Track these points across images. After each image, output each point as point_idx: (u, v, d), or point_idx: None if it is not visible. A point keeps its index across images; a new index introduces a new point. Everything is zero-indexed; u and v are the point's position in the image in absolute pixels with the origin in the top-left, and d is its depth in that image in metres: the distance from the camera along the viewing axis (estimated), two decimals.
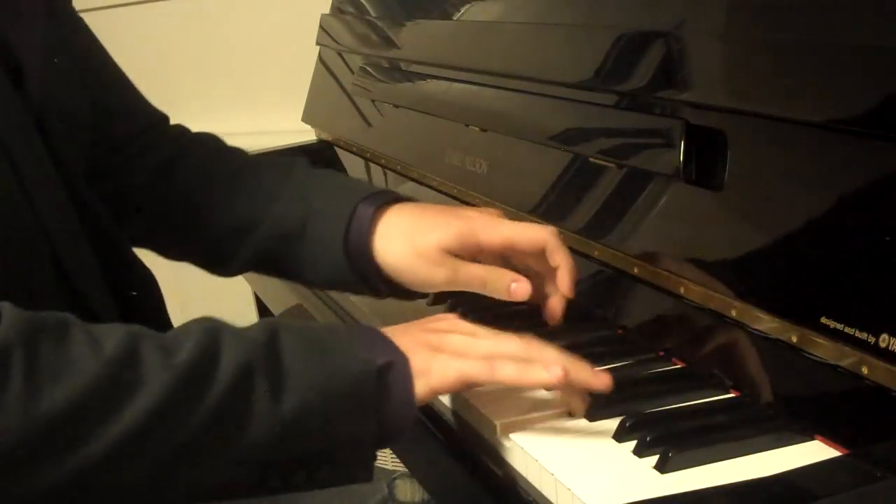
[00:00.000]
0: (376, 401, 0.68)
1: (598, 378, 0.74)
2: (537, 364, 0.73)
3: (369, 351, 0.69)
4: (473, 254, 0.88)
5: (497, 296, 0.86)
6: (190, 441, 0.63)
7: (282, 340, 0.67)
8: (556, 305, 0.87)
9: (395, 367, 0.69)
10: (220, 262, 1.02)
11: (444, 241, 0.86)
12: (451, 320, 0.78)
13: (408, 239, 0.87)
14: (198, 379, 0.63)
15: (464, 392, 0.78)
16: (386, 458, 1.72)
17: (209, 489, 0.66)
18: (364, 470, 0.69)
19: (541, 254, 0.86)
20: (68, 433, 0.60)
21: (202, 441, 0.63)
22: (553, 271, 0.87)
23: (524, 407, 0.77)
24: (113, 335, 0.63)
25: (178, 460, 0.63)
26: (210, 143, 1.08)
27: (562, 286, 0.86)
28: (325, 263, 0.91)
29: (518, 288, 0.84)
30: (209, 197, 1.00)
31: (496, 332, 0.76)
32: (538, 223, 0.93)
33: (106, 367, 0.61)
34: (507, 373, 0.72)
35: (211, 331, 0.67)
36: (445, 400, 0.85)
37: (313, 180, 0.97)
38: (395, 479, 1.10)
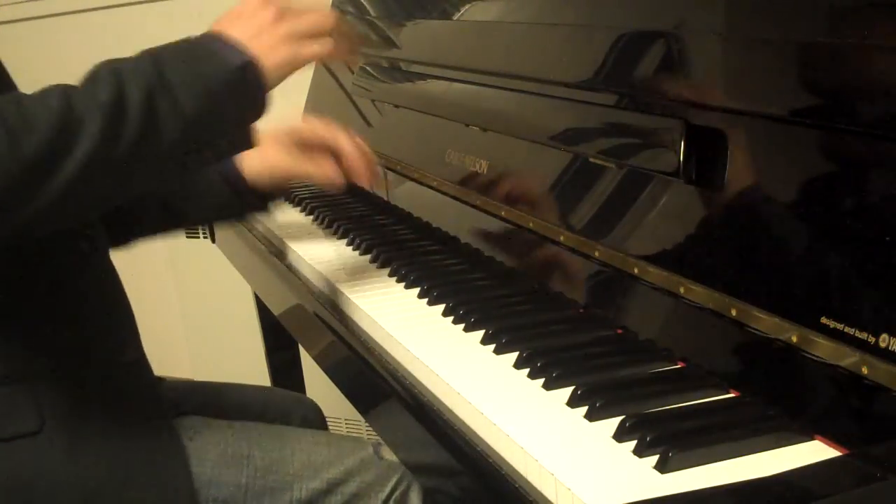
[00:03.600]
0: (243, 90, 0.94)
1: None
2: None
3: (229, 55, 0.94)
4: (301, 146, 1.25)
5: (319, 182, 1.26)
6: (128, 152, 0.87)
7: (166, 66, 0.90)
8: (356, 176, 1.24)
9: (249, 66, 0.94)
10: (119, 230, 1.23)
11: (272, 136, 1.24)
12: (268, 7, 1.00)
13: (257, 151, 1.16)
14: (119, 111, 0.86)
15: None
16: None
17: (151, 177, 0.95)
18: (247, 140, 0.97)
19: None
20: (46, 164, 0.84)
21: (136, 151, 0.88)
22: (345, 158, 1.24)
23: None
24: (50, 92, 0.86)
25: (124, 166, 0.88)
26: None
27: (353, 171, 1.23)
28: (211, 203, 1.26)
29: (333, 176, 1.22)
30: None
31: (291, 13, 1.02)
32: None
33: (57, 116, 0.84)
34: (314, 50, 1.01)
35: (113, 71, 0.89)
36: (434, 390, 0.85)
37: None
38: (381, 444, 1.13)
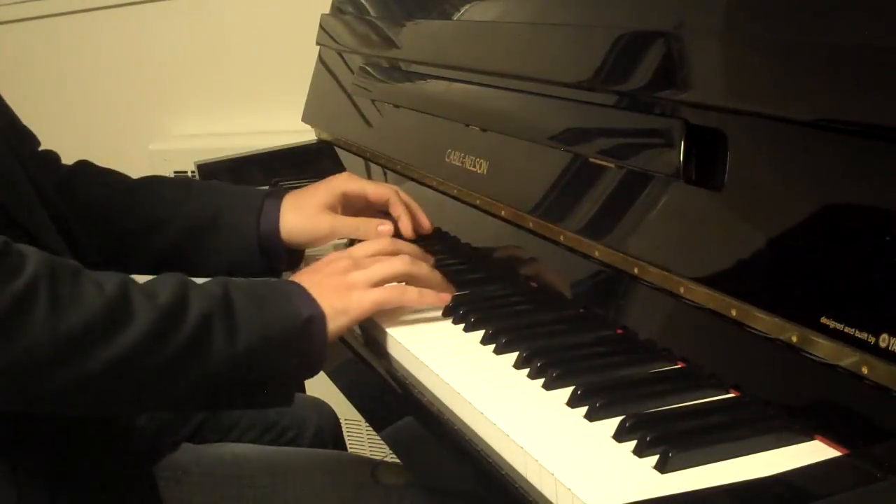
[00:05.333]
0: (301, 344, 0.89)
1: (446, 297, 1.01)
2: (426, 288, 1.00)
3: (297, 305, 0.89)
4: (345, 205, 1.18)
5: (369, 237, 1.12)
6: (165, 365, 0.82)
7: (234, 294, 0.87)
8: (406, 234, 1.16)
9: (314, 320, 0.90)
10: (123, 260, 1.15)
11: (320, 199, 1.16)
12: (344, 259, 0.99)
13: (297, 210, 1.15)
14: (173, 318, 0.82)
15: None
16: (364, 445, 1.73)
17: (175, 402, 0.90)
18: (288, 397, 0.91)
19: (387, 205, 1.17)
20: (80, 349, 0.78)
21: (174, 366, 0.82)
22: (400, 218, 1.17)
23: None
24: (111, 279, 0.83)
25: (155, 379, 0.82)
26: (92, 165, 1.23)
27: (403, 230, 1.16)
28: (235, 248, 1.15)
29: (384, 228, 1.13)
30: (114, 204, 1.17)
31: (376, 256, 1.01)
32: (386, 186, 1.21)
33: (107, 302, 0.80)
34: (411, 297, 0.99)
35: (181, 282, 0.86)
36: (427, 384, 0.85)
37: (215, 185, 1.25)
38: (378, 464, 1.12)
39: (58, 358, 0.78)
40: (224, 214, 1.16)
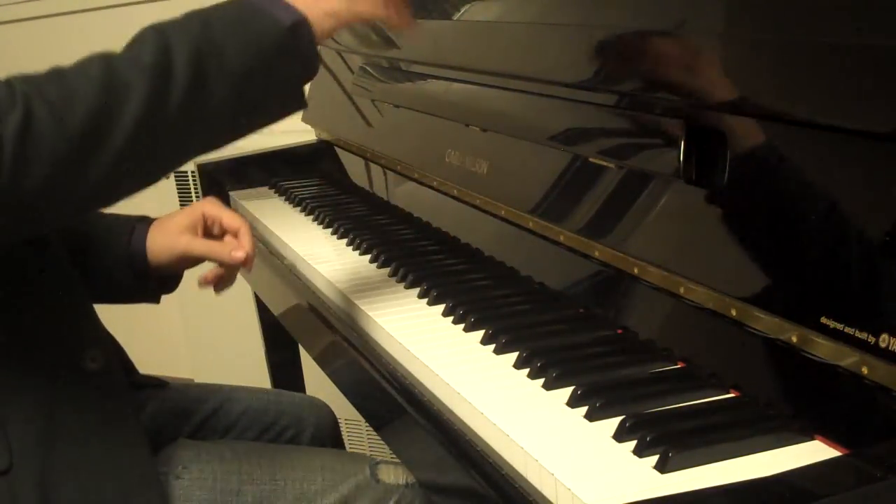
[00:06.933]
0: (292, 51, 0.92)
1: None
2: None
3: (276, 16, 0.91)
4: (206, 228, 1.21)
5: (221, 259, 1.17)
6: (177, 113, 0.86)
7: (213, 25, 0.89)
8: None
9: (298, 24, 0.92)
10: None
11: (181, 220, 1.20)
12: None
13: (161, 231, 1.20)
14: (165, 72, 0.85)
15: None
16: (364, 445, 1.72)
17: (201, 141, 0.93)
18: (298, 100, 0.96)
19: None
20: (94, 138, 0.83)
21: (185, 112, 0.87)
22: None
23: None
24: (91, 62, 0.85)
25: (174, 129, 0.87)
26: None
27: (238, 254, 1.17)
28: (110, 268, 1.18)
29: (237, 255, 1.16)
30: None
31: None
32: None
33: (100, 84, 0.83)
34: (366, 7, 1.00)
35: (159, 33, 0.88)
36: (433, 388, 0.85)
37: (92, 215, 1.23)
38: (378, 462, 1.12)
39: (79, 156, 0.82)
40: (99, 237, 1.20)
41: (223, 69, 0.88)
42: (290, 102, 0.96)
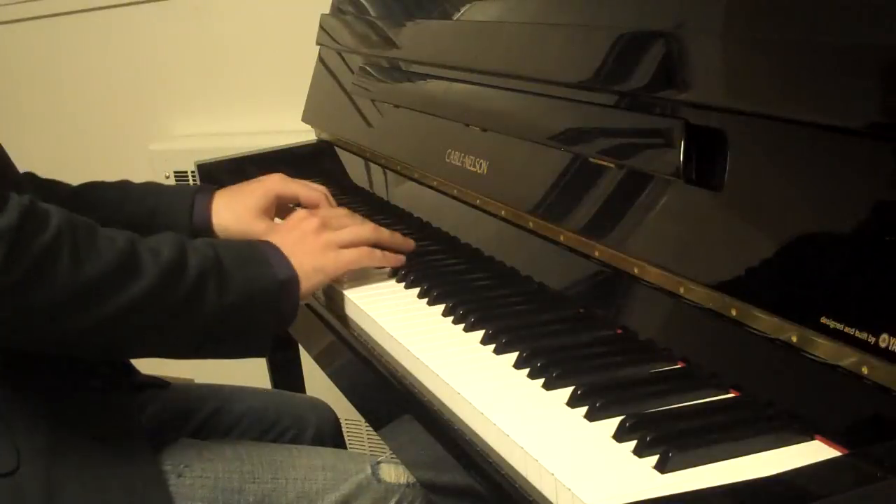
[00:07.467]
0: (277, 303, 1.01)
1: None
2: (388, 253, 1.14)
3: (275, 268, 1.01)
4: (279, 206, 1.27)
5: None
6: (166, 313, 0.93)
7: (222, 255, 0.98)
8: None
9: (289, 282, 1.02)
10: None
11: (254, 203, 1.24)
12: (314, 219, 1.10)
13: (231, 210, 1.25)
14: (175, 273, 0.93)
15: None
16: (364, 445, 1.72)
17: (170, 346, 0.99)
18: (264, 347, 1.02)
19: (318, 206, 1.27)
20: (96, 296, 0.88)
21: (174, 314, 0.94)
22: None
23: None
24: (120, 235, 0.92)
25: (156, 325, 0.94)
26: (36, 176, 1.26)
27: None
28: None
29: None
30: None
31: (348, 216, 1.16)
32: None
33: (120, 255, 0.90)
34: (377, 258, 1.13)
35: (179, 241, 0.96)
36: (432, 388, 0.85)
37: (149, 186, 1.32)
38: (379, 462, 1.12)
39: (77, 303, 0.88)
40: (159, 214, 1.24)
41: (219, 292, 0.95)
42: (255, 347, 1.02)
